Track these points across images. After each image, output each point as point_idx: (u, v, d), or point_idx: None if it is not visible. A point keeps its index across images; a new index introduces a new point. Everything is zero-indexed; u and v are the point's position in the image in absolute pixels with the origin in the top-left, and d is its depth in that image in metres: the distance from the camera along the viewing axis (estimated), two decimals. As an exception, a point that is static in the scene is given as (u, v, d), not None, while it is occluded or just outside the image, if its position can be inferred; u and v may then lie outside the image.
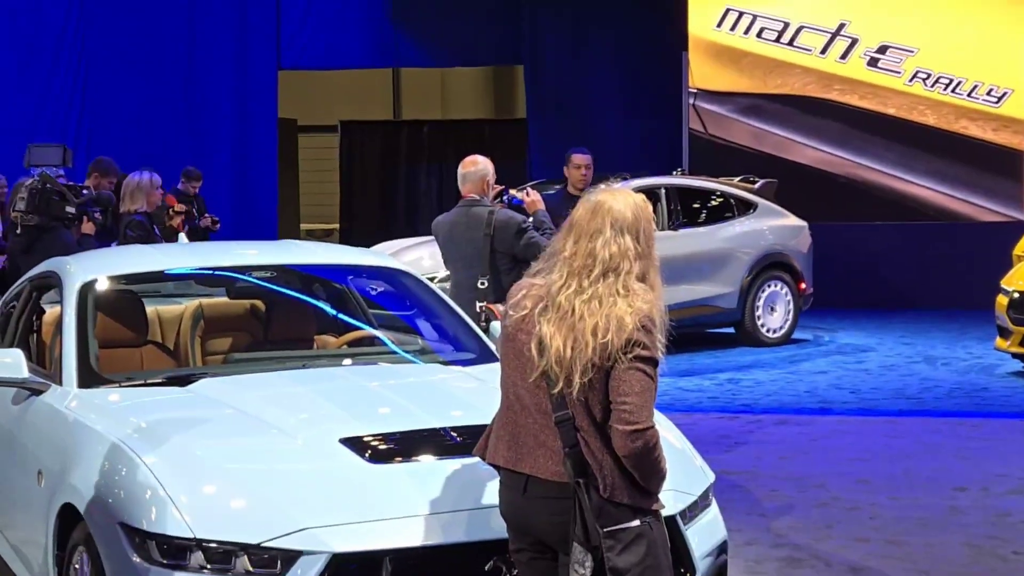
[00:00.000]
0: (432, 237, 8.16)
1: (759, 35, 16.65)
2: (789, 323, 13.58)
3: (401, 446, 4.45)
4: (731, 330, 13.53)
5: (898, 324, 14.81)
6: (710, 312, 13.07)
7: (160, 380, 5.31)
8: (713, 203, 13.56)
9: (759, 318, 13.41)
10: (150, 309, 6.22)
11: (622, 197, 3.86)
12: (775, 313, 13.51)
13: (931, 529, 6.75)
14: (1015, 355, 11.58)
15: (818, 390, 10.99)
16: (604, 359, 3.64)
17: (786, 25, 16.58)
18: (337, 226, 21.63)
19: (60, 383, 5.17)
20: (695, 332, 13.23)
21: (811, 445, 8.86)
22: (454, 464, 4.31)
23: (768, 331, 13.45)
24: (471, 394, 5.05)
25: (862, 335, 14.10)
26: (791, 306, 13.58)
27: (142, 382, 5.26)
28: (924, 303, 15.92)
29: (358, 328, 6.28)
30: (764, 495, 7.47)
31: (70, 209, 8.23)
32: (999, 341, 11.59)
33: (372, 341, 6.15)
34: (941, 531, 6.71)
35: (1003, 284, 11.59)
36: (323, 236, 21.16)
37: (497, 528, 3.96)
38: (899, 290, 16.18)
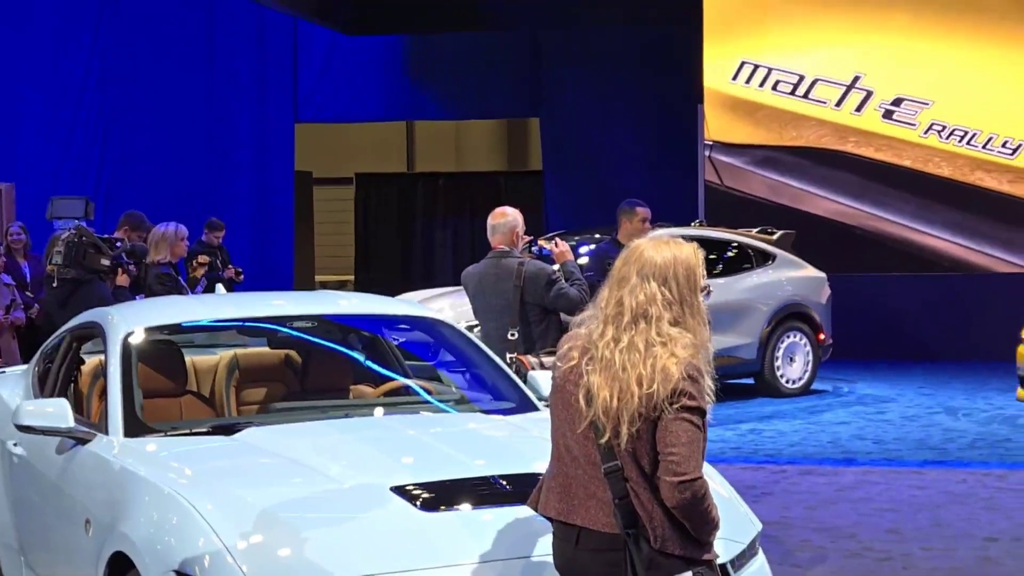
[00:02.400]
0: (454, 288, 8.21)
1: (774, 88, 16.76)
2: (808, 374, 13.61)
3: (451, 494, 4.47)
4: (751, 381, 13.54)
5: (917, 375, 14.82)
6: (730, 363, 13.08)
7: (206, 429, 5.34)
8: (732, 254, 13.61)
9: (779, 369, 13.43)
10: (186, 359, 6.26)
11: (660, 245, 3.84)
12: (794, 364, 13.54)
13: (966, 579, 6.75)
14: (1037, 406, 11.61)
15: (841, 440, 11.00)
16: (650, 410, 3.63)
17: (801, 78, 16.69)
18: (352, 277, 21.71)
19: (106, 432, 5.20)
20: (717, 384, 13.20)
21: (838, 496, 8.86)
22: (506, 513, 4.32)
23: (788, 382, 13.48)
24: (515, 442, 5.08)
25: (881, 386, 14.11)
26: (810, 356, 13.62)
27: (187, 431, 5.29)
28: (942, 354, 15.93)
29: (394, 378, 6.31)
30: (795, 546, 7.47)
31: (105, 261, 8.30)
32: (1020, 392, 11.58)
33: (409, 391, 6.18)
34: (976, 581, 6.72)
35: (1023, 335, 11.60)
36: (338, 287, 21.22)
37: (550, 578, 3.97)
38: (917, 341, 16.19)
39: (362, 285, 20.57)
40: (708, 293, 4.25)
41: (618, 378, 3.68)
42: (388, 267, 21.01)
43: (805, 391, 13.53)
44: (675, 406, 3.64)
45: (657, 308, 3.74)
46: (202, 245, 13.45)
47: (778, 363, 13.43)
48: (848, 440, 11.01)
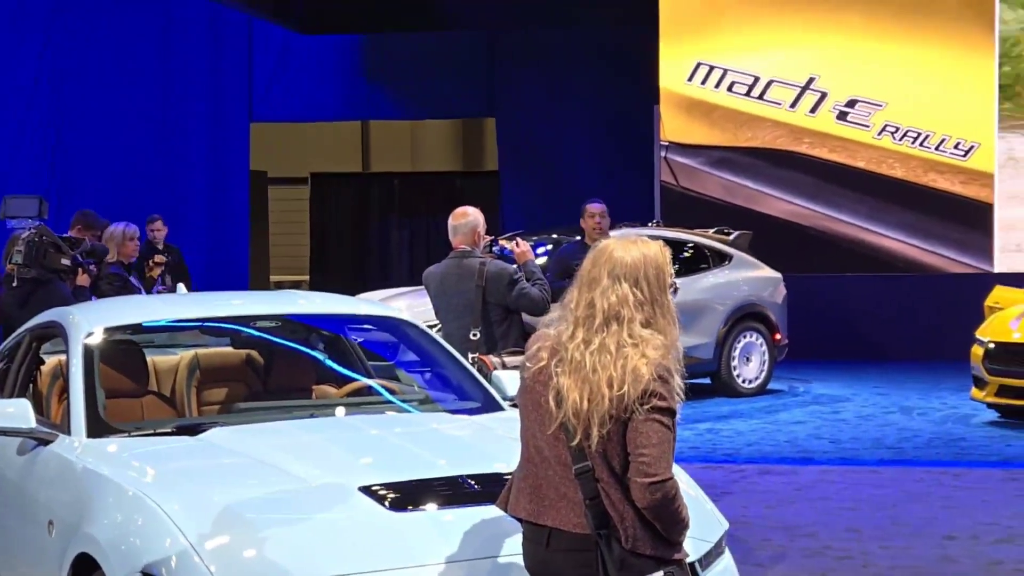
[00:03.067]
0: (412, 288, 8.20)
1: (729, 89, 16.83)
2: (765, 373, 13.68)
3: (419, 494, 4.46)
4: (707, 381, 13.59)
5: (872, 375, 14.93)
6: (687, 363, 12.91)
7: (170, 429, 5.31)
8: (688, 255, 13.66)
9: (735, 368, 13.49)
10: (148, 360, 6.22)
11: (628, 245, 3.83)
12: (751, 364, 13.61)
13: (925, 577, 6.81)
14: (991, 405, 11.71)
15: (798, 440, 11.06)
16: (621, 411, 3.63)
17: (756, 79, 16.77)
18: (307, 277, 21.65)
19: (68, 433, 5.16)
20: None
21: (797, 495, 8.91)
22: (473, 513, 4.32)
23: (744, 381, 13.54)
24: (481, 442, 5.08)
25: (837, 385, 14.20)
26: (766, 357, 13.68)
27: (152, 431, 5.25)
28: (896, 354, 16.06)
29: (358, 378, 6.29)
30: (756, 544, 7.50)
31: (65, 261, 8.23)
32: (975, 391, 11.71)
33: (372, 391, 6.16)
34: (936, 579, 6.77)
35: (978, 335, 11.72)
36: (293, 287, 21.14)
37: (520, 578, 3.96)
38: (872, 341, 16.31)
39: (317, 285, 20.50)
40: (675, 290, 4.26)
41: (588, 380, 3.68)
42: (343, 267, 20.97)
43: (761, 391, 13.59)
44: (646, 407, 3.64)
45: (629, 309, 3.73)
46: (149, 245, 13.30)
47: (735, 363, 13.49)
48: (805, 439, 11.07)
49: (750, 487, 9.18)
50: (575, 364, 3.72)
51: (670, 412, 3.69)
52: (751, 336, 13.60)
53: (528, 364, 3.89)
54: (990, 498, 8.65)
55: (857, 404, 12.96)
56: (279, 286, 21.33)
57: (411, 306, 11.46)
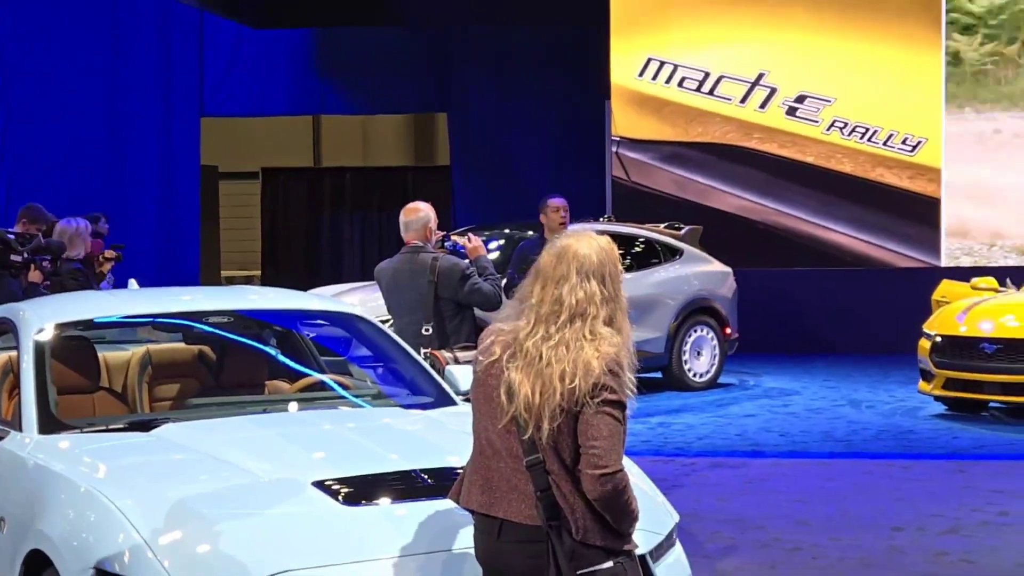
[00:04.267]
0: (364, 283, 8.20)
1: (680, 84, 16.92)
2: (715, 367, 13.77)
3: (372, 488, 4.48)
4: (658, 374, 13.66)
5: (821, 368, 15.06)
6: (638, 357, 13.11)
7: (122, 425, 5.30)
8: (639, 249, 13.72)
9: (686, 363, 13.57)
10: (99, 356, 6.20)
11: (587, 241, 3.89)
12: (701, 358, 13.69)
13: (873, 569, 6.88)
14: (938, 398, 11.85)
15: (748, 433, 11.14)
16: (572, 404, 3.67)
17: (706, 75, 16.87)
18: (259, 273, 21.57)
19: (20, 429, 5.14)
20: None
21: (747, 487, 8.99)
22: (426, 507, 4.34)
23: (695, 375, 13.62)
24: (434, 436, 5.10)
25: (786, 379, 14.31)
26: (717, 351, 13.77)
27: (104, 428, 5.24)
28: (845, 348, 16.20)
29: (311, 374, 6.30)
30: (707, 537, 7.56)
31: (16, 258, 8.15)
32: (922, 384, 11.84)
33: (325, 386, 6.17)
34: (884, 570, 6.84)
35: (925, 328, 11.85)
36: (244, 283, 21.09)
37: (471, 571, 3.99)
38: (821, 335, 16.45)
39: (269, 280, 20.43)
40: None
41: (541, 374, 3.72)
42: (295, 262, 20.90)
43: (712, 385, 13.68)
44: (596, 400, 3.69)
45: (595, 306, 3.78)
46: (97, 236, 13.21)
47: (685, 357, 13.57)
48: (755, 433, 11.16)
49: (701, 480, 9.25)
50: (529, 358, 3.76)
51: (620, 405, 3.73)
52: (702, 330, 13.69)
53: (481, 358, 3.93)
54: (937, 490, 8.76)
55: (807, 397, 13.07)
56: (230, 281, 21.28)
57: (364, 301, 11.46)
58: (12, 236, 8.32)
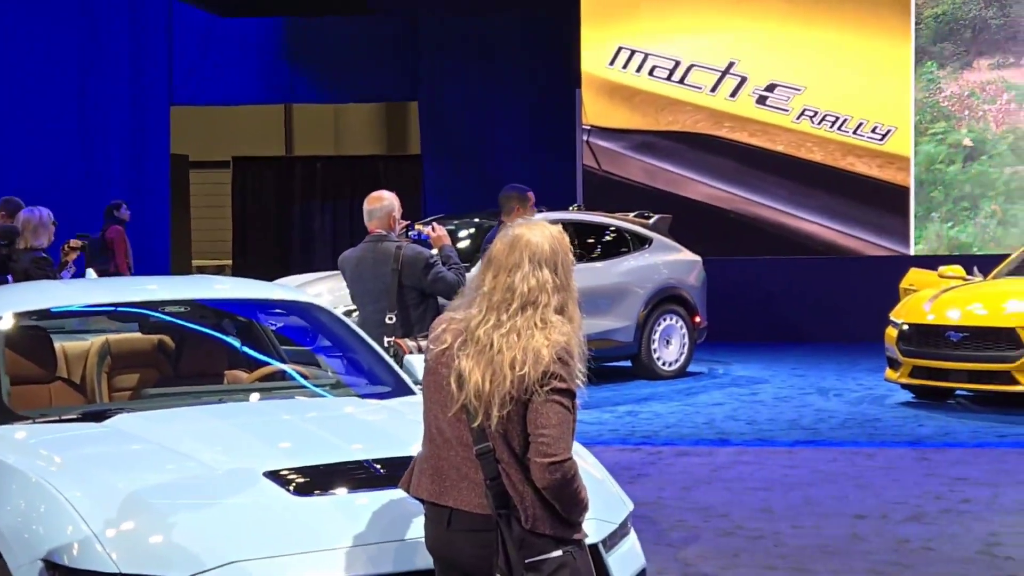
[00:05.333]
0: (332, 272, 8.18)
1: (651, 73, 16.93)
2: (685, 356, 13.79)
3: (325, 479, 4.46)
4: (628, 363, 13.68)
5: (790, 356, 15.10)
6: (607, 346, 13.21)
7: (75, 416, 5.26)
8: (609, 238, 13.73)
9: (655, 351, 13.59)
10: (56, 345, 6.17)
11: (539, 230, 3.89)
12: (671, 346, 13.71)
13: (835, 556, 6.89)
14: (905, 386, 11.89)
15: (715, 422, 11.16)
16: (522, 392, 3.67)
17: (677, 63, 16.88)
18: (230, 262, 21.51)
19: (-29, 420, 5.10)
20: (592, 366, 13.32)
21: (712, 476, 9.00)
22: (379, 496, 4.33)
23: (664, 364, 13.64)
24: (390, 426, 5.08)
25: (755, 367, 14.35)
26: (686, 339, 13.79)
27: (57, 418, 5.21)
28: (814, 336, 16.26)
29: (269, 363, 6.28)
30: (670, 525, 7.57)
31: None
32: (889, 372, 11.88)
33: (284, 376, 6.15)
34: (845, 558, 6.86)
35: (892, 317, 11.89)
36: (216, 272, 21.04)
37: (423, 561, 3.98)
38: (790, 323, 16.50)
39: (240, 270, 20.39)
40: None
41: (492, 361, 3.71)
42: (266, 251, 20.86)
43: (681, 373, 13.71)
44: (546, 388, 3.67)
45: (547, 295, 3.77)
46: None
47: (655, 346, 13.59)
48: (722, 421, 11.18)
49: (666, 469, 9.26)
50: (480, 346, 3.75)
51: (570, 394, 3.72)
52: (671, 319, 13.71)
53: (432, 346, 3.92)
54: (901, 478, 8.79)
55: (775, 386, 13.11)
56: (201, 271, 21.21)
57: (332, 290, 11.44)
58: None
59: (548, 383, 3.68)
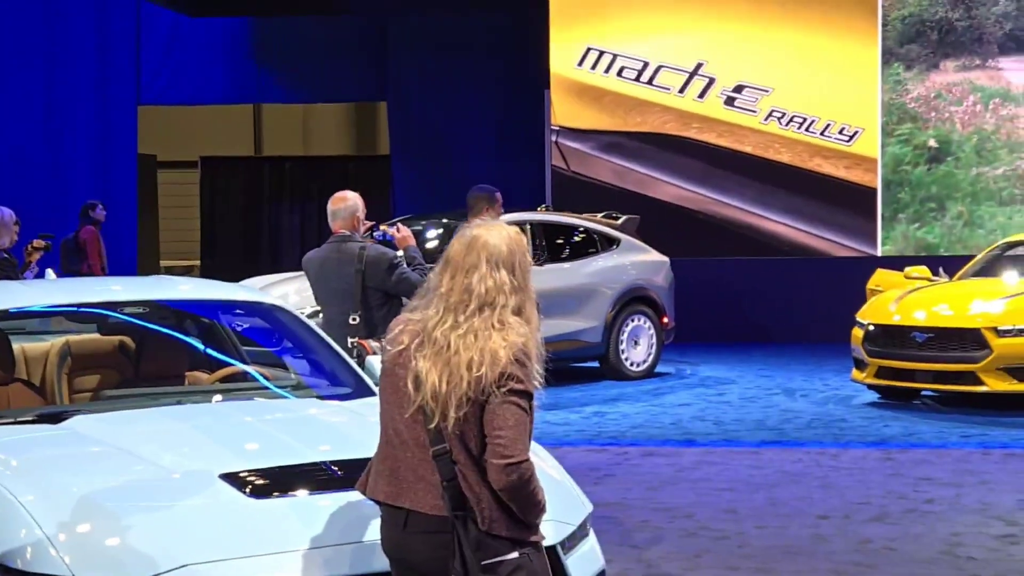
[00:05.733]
0: (299, 272, 8.15)
1: (619, 74, 16.94)
2: (652, 357, 13.80)
3: (281, 481, 4.44)
4: (596, 364, 13.68)
5: (757, 357, 15.13)
6: (575, 346, 13.22)
7: (31, 418, 5.22)
8: (577, 239, 13.73)
9: (623, 352, 13.59)
10: (15, 346, 6.12)
11: (497, 231, 3.87)
12: (639, 347, 13.72)
13: (798, 556, 6.90)
14: (871, 386, 11.93)
15: (682, 422, 11.17)
16: (478, 393, 3.65)
17: (645, 64, 16.90)
18: (198, 262, 21.42)
19: (-74, 422, 5.06)
20: (560, 366, 13.33)
21: (678, 476, 9.00)
22: (336, 498, 4.30)
23: (632, 365, 13.65)
24: (349, 428, 5.05)
25: (723, 368, 14.37)
26: (654, 340, 13.80)
27: (12, 420, 5.16)
28: (782, 337, 16.29)
29: (231, 364, 6.24)
30: (634, 526, 7.57)
31: None
32: (855, 373, 11.91)
33: (245, 377, 6.11)
34: (808, 558, 6.87)
35: (858, 317, 11.92)
36: (183, 272, 20.95)
37: (380, 563, 3.96)
38: (757, 324, 16.53)
39: (208, 270, 20.31)
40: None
41: (449, 363, 3.70)
42: (234, 252, 20.78)
43: (649, 374, 13.72)
44: (503, 389, 3.66)
45: (504, 296, 3.76)
46: None
47: (623, 346, 13.60)
48: (689, 422, 11.19)
49: (632, 469, 9.26)
50: (437, 347, 3.74)
51: (527, 395, 3.71)
52: (639, 320, 13.72)
53: (389, 347, 3.90)
54: (865, 478, 8.81)
55: (742, 386, 13.13)
56: (170, 271, 21.11)
57: (299, 290, 11.40)
58: None
59: (505, 384, 3.66)
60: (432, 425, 3.71)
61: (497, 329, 3.72)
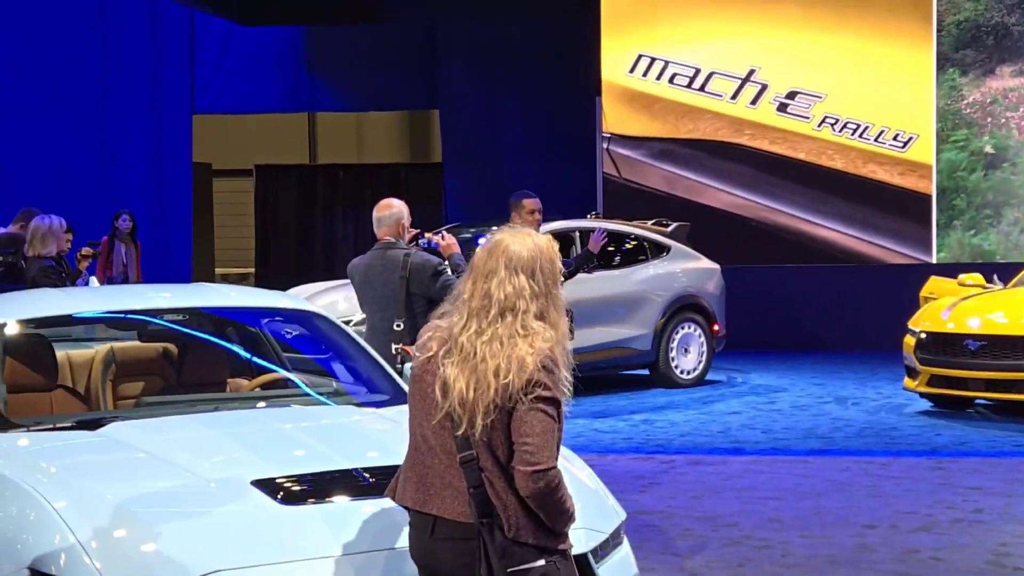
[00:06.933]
0: (348, 280, 8.17)
1: (671, 81, 16.88)
2: (703, 364, 13.72)
3: (313, 487, 4.44)
4: (645, 372, 13.63)
5: (809, 365, 15.01)
6: (624, 354, 13.18)
7: (70, 424, 5.26)
8: (627, 246, 13.69)
9: (673, 360, 13.53)
10: (60, 353, 6.17)
11: (520, 237, 3.85)
12: (689, 355, 13.65)
13: (841, 567, 6.83)
14: (923, 395, 11.80)
15: (731, 430, 11.10)
16: (506, 400, 3.64)
17: (697, 71, 16.83)
18: (252, 270, 21.55)
19: (-32, 428, 5.11)
20: (610, 374, 13.34)
21: (724, 485, 8.95)
22: (367, 505, 4.30)
23: (682, 372, 13.58)
24: (384, 435, 5.05)
25: (774, 376, 14.27)
26: (704, 348, 13.73)
27: (51, 426, 5.20)
28: (834, 344, 16.16)
29: (271, 371, 6.26)
30: (678, 534, 7.53)
31: None
32: (907, 381, 11.79)
33: (285, 384, 6.13)
34: (852, 568, 6.80)
35: (910, 325, 11.80)
36: (238, 280, 21.09)
37: (411, 570, 3.94)
38: (810, 332, 16.41)
39: (262, 278, 20.43)
40: (563, 282, 4.27)
41: (476, 369, 3.69)
42: (288, 259, 20.89)
43: (700, 382, 13.64)
44: (530, 396, 3.65)
45: (524, 301, 3.75)
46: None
47: (673, 354, 13.53)
48: (738, 430, 11.12)
49: (679, 477, 9.21)
50: (464, 354, 3.74)
51: (554, 402, 3.69)
52: (689, 327, 13.65)
53: (418, 354, 3.91)
54: (914, 487, 8.71)
55: (793, 394, 13.04)
56: (225, 279, 21.24)
57: (348, 297, 11.42)
58: None
59: (532, 391, 3.65)
60: (459, 432, 3.70)
61: (522, 336, 3.71)
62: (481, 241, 12.06)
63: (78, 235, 12.21)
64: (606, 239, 11.17)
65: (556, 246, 3.94)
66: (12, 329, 5.62)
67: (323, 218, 21.24)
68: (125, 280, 14.85)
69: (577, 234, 13.02)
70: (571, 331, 4.17)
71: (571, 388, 3.79)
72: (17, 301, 6.31)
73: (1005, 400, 11.30)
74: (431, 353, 3.84)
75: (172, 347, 6.40)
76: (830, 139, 16.50)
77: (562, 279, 3.94)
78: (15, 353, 5.62)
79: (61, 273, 9.05)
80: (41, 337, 5.89)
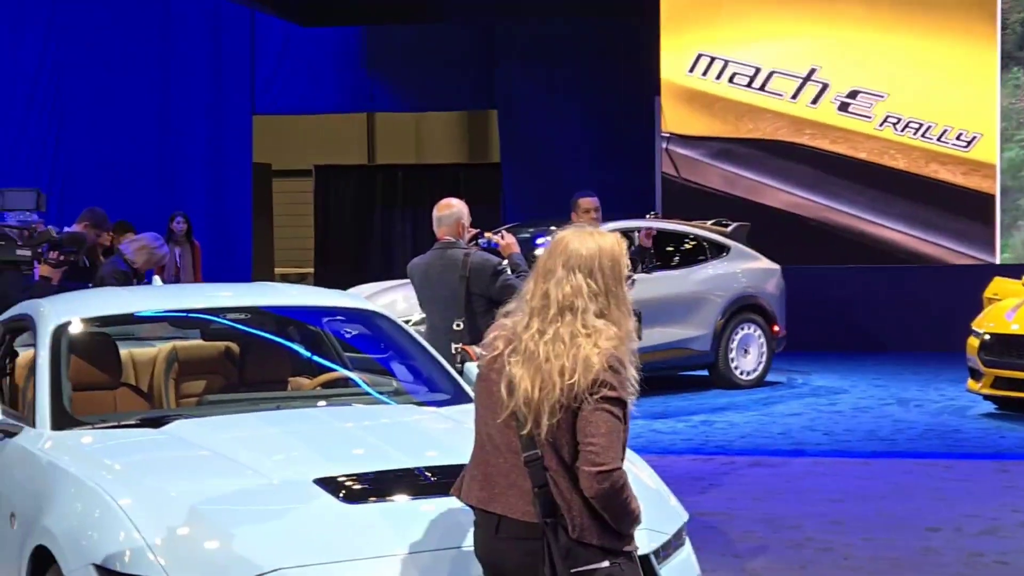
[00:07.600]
0: (407, 280, 8.18)
1: (731, 80, 16.79)
2: (763, 365, 13.64)
3: (375, 486, 4.45)
4: (705, 372, 13.56)
5: (871, 366, 14.88)
6: (684, 355, 13.12)
7: (134, 422, 5.30)
8: (686, 246, 13.63)
9: (733, 360, 13.46)
10: (124, 352, 6.22)
11: (583, 236, 3.82)
12: (749, 355, 13.57)
13: (905, 570, 6.77)
14: (987, 397, 11.67)
15: (792, 432, 11.02)
16: (571, 400, 3.63)
17: (757, 70, 16.72)
18: (312, 270, 21.64)
19: (33, 425, 5.15)
20: (669, 375, 13.28)
21: (785, 486, 8.88)
22: (428, 504, 4.30)
23: (742, 373, 13.50)
24: (445, 434, 5.06)
25: (835, 377, 14.16)
26: (764, 348, 13.64)
27: (116, 424, 5.24)
28: (896, 346, 16.01)
29: (332, 370, 6.28)
30: (738, 536, 7.48)
31: (26, 252, 8.11)
32: (971, 383, 11.67)
33: (346, 383, 6.15)
34: (915, 571, 6.73)
35: (974, 326, 11.68)
36: (297, 280, 21.19)
37: (476, 570, 3.94)
38: (871, 333, 16.27)
39: (321, 278, 20.50)
40: (632, 283, 4.24)
41: (541, 369, 3.69)
42: (347, 259, 20.94)
43: (759, 383, 13.56)
44: (595, 396, 3.64)
45: (583, 300, 3.73)
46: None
47: (732, 355, 13.46)
48: (799, 431, 11.04)
49: (739, 479, 9.16)
50: (529, 353, 3.73)
51: (620, 402, 3.67)
52: (749, 328, 13.57)
53: (484, 353, 3.91)
54: (977, 490, 8.62)
55: (854, 396, 12.93)
56: (284, 279, 21.34)
57: (407, 297, 11.44)
58: (15, 230, 8.31)
59: (598, 391, 3.64)
60: (524, 431, 3.70)
61: (585, 335, 3.69)
62: (540, 241, 12.12)
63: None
64: (654, 232, 11.17)
65: (623, 245, 3.90)
66: (76, 328, 5.67)
67: (381, 218, 21.29)
68: (177, 282, 14.91)
69: (636, 234, 12.94)
70: (639, 332, 4.14)
71: (638, 388, 3.77)
72: (81, 300, 6.37)
73: (1071, 402, 11.15)
74: (497, 352, 3.84)
75: (234, 346, 6.44)
76: (892, 139, 16.34)
77: (631, 279, 3.92)
78: (79, 351, 5.67)
79: (131, 277, 9.11)
80: (105, 335, 5.93)
